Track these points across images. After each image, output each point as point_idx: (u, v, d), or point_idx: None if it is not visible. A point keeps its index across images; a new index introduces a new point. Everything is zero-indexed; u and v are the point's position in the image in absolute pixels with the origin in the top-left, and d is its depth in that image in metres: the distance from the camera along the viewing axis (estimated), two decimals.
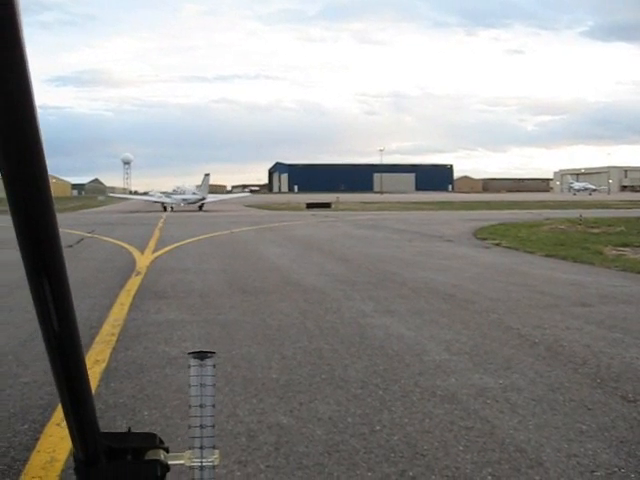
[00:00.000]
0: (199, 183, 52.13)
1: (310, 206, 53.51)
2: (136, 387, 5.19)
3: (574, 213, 37.15)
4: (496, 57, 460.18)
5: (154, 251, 16.56)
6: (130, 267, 13.11)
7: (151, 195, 58.78)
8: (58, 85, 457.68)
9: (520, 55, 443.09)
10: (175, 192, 50.78)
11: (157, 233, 23.59)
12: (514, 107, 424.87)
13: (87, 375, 0.82)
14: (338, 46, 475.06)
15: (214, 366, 0.92)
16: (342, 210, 47.74)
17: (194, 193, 49.76)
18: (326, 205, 54.57)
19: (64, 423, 0.88)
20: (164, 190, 56.35)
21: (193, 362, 0.92)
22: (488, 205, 59.02)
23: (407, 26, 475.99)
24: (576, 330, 7.27)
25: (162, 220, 33.32)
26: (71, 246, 17.75)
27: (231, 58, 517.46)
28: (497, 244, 18.50)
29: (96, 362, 5.85)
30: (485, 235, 21.58)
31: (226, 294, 9.71)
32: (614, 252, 15.84)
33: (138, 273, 12.14)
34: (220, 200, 57.50)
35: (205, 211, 46.28)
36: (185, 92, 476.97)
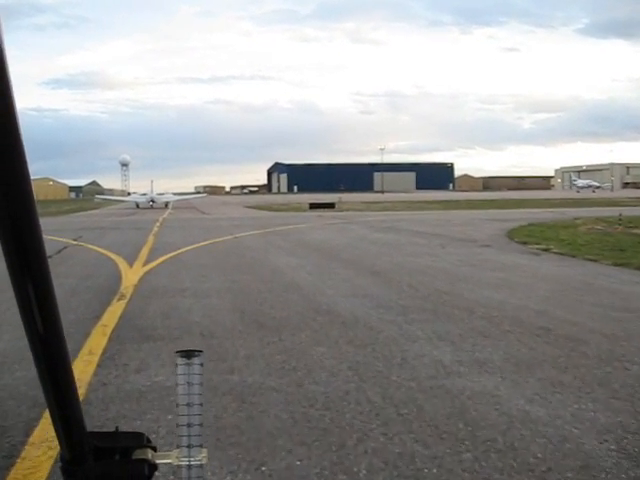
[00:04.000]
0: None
1: (313, 206, 51.05)
2: None
3: (596, 212, 34.72)
4: (492, 55, 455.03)
5: (145, 263, 13.91)
6: (113, 287, 10.48)
7: (132, 197, 75.75)
8: (53, 88, 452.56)
9: (516, 53, 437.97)
10: (144, 195, 66.63)
11: (151, 239, 20.91)
12: (511, 105, 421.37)
13: (73, 375, 0.82)
14: (332, 46, 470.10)
15: (202, 365, 0.92)
16: (347, 210, 45.08)
17: (151, 195, 64.02)
18: (330, 205, 52.02)
19: None
20: (142, 192, 72.28)
21: (180, 361, 0.92)
22: (495, 204, 56.12)
23: (401, 25, 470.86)
24: None
25: (158, 224, 30.63)
26: (50, 257, 15.02)
27: (226, 59, 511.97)
28: (545, 249, 15.86)
29: None
30: (523, 238, 18.95)
31: (237, 331, 7.08)
32: None
33: (122, 296, 9.50)
34: (178, 200, 69.62)
35: (169, 208, 56.30)
36: (181, 93, 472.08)
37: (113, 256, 15.40)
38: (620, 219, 23.63)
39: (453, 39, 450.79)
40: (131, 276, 11.81)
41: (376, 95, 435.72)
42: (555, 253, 15.18)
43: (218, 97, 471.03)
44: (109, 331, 7.13)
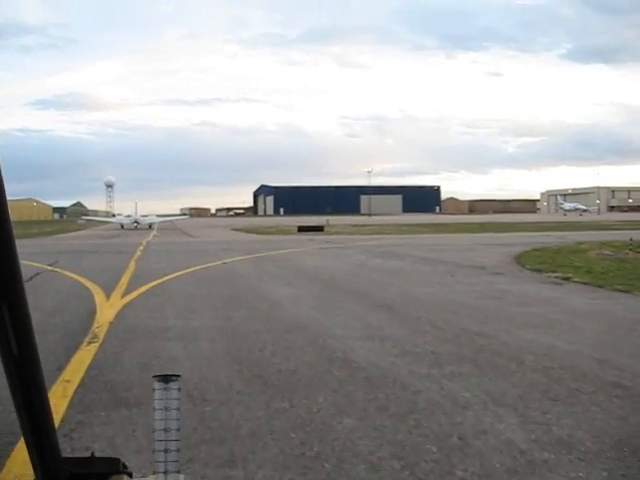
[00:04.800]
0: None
1: (302, 229, 49.79)
2: None
3: (593, 235, 33.61)
4: (476, 79, 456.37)
5: (125, 294, 12.36)
6: (85, 325, 8.95)
7: (117, 218, 79.29)
8: (39, 108, 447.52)
9: (499, 77, 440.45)
10: (128, 216, 69.80)
11: (133, 265, 19.33)
12: (495, 129, 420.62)
13: (48, 399, 0.80)
14: (318, 69, 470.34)
15: (179, 389, 0.91)
16: (336, 234, 43.72)
17: (135, 217, 67.54)
18: (318, 229, 50.85)
19: None
20: (127, 214, 75.17)
21: (158, 385, 0.91)
22: (486, 227, 54.83)
23: (386, 49, 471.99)
24: None
25: (141, 247, 29.01)
26: None
27: (213, 81, 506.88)
28: (564, 278, 14.48)
29: None
30: (535, 265, 17.58)
31: (235, 392, 5.57)
32: None
33: (93, 338, 7.96)
34: (162, 221, 72.98)
35: (153, 229, 58.95)
36: (167, 115, 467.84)
37: (89, 284, 13.84)
38: (631, 244, 22.45)
39: (438, 63, 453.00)
40: (107, 310, 10.26)
41: (361, 118, 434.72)
42: (578, 282, 13.81)
43: (204, 119, 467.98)
44: (71, 391, 5.60)
